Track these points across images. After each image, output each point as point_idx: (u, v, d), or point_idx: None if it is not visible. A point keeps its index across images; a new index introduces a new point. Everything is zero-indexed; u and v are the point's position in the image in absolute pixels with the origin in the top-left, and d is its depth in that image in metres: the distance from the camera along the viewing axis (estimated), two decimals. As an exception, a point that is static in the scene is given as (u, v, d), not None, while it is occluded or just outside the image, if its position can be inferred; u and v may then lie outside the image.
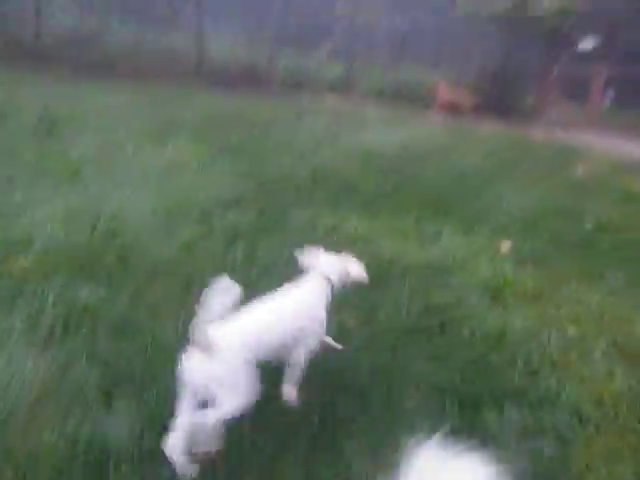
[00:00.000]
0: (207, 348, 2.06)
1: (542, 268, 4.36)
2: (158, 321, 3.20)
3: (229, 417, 2.11)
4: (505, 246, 4.60)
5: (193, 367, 2.09)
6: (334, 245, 4.38)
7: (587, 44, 13.36)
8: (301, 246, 4.28)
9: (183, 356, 2.12)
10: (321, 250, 2.80)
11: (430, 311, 3.52)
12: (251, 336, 2.25)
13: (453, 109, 10.10)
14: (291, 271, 3.83)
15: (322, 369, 2.87)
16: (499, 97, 13.26)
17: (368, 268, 4.01)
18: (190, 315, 2.08)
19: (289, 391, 2.57)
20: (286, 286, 2.64)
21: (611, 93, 16.00)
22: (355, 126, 9.67)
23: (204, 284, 3.59)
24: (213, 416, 2.09)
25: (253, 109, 10.42)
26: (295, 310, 2.51)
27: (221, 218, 4.73)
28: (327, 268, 2.70)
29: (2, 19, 13.28)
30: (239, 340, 2.19)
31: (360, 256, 4.18)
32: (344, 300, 3.52)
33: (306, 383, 2.61)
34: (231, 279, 2.15)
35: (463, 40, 20.09)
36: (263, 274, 3.88)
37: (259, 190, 5.59)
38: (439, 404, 2.70)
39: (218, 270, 3.85)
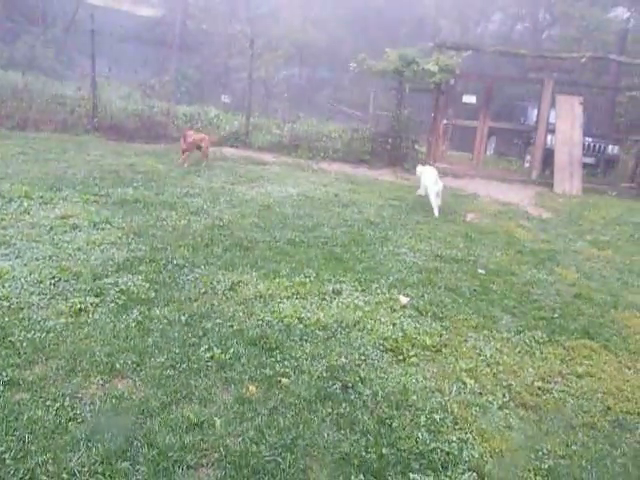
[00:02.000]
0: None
1: (440, 320, 4.48)
2: (39, 405, 2.92)
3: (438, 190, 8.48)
4: (404, 300, 4.69)
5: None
6: (233, 305, 4.31)
7: (470, 99, 14.39)
8: (198, 312, 4.09)
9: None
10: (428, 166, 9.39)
11: (332, 374, 3.47)
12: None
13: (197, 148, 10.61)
14: (189, 336, 3.69)
15: (224, 447, 2.73)
16: (392, 147, 13.90)
17: (268, 329, 3.96)
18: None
19: (435, 204, 8.44)
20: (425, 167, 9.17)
21: (493, 144, 17.30)
22: (252, 179, 9.65)
23: (93, 359, 3.36)
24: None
25: (149, 161, 10.14)
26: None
27: (113, 283, 4.46)
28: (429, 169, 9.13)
29: None
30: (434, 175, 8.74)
31: (259, 317, 4.13)
32: (244, 369, 3.42)
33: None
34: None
35: (358, 92, 21.06)
36: (160, 342, 3.68)
37: (153, 250, 5.36)
38: (345, 476, 2.63)
39: (108, 341, 3.64)
